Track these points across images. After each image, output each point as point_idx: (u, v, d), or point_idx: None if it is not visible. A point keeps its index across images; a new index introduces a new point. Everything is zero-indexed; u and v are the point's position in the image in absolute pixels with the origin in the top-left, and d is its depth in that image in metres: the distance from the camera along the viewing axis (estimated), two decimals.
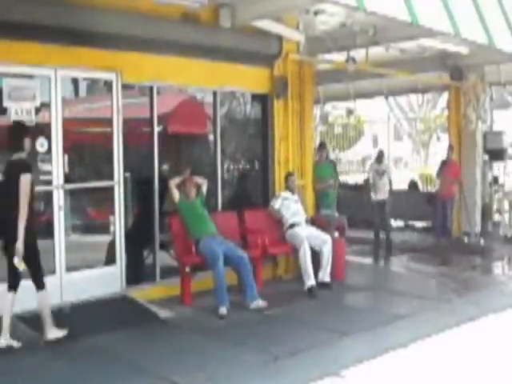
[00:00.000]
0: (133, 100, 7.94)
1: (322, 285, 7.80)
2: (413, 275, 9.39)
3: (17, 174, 5.35)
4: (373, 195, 10.80)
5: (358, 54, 9.32)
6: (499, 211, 12.38)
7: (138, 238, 7.74)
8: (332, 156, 21.68)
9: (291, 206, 8.25)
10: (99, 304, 6.62)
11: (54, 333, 5.65)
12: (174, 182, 7.40)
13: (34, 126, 6.46)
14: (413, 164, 27.66)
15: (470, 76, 11.68)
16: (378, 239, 10.59)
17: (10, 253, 5.42)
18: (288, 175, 8.55)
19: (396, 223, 14.55)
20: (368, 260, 10.31)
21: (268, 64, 8.66)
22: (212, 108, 8.35)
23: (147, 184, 7.56)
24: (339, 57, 9.71)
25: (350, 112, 25.48)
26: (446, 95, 14.12)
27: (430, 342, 5.78)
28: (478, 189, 11.89)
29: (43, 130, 6.56)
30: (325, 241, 7.97)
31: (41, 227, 7.07)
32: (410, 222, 14.14)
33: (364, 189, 15.22)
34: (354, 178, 20.29)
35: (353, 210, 12.06)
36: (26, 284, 6.42)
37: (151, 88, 7.51)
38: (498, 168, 12.50)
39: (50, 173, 6.61)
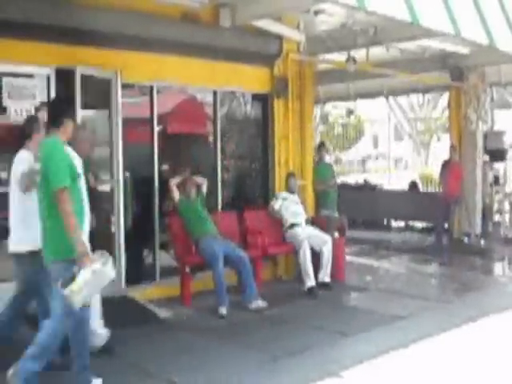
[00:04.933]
0: (133, 100, 7.94)
1: (322, 285, 7.79)
2: (413, 275, 9.38)
3: None
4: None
5: (359, 53, 9.31)
6: (500, 212, 12.37)
7: (138, 237, 7.73)
8: (332, 156, 21.75)
9: (291, 207, 8.24)
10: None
11: None
12: (174, 182, 7.40)
13: None
14: (413, 164, 27.69)
15: (471, 76, 11.67)
16: None
17: None
18: (288, 175, 8.55)
19: (396, 223, 14.58)
20: (368, 260, 10.30)
21: (268, 64, 8.65)
22: (212, 108, 8.34)
23: (147, 184, 7.55)
24: (339, 57, 9.70)
25: (350, 112, 25.52)
26: (446, 95, 14.12)
27: (430, 343, 5.76)
28: (479, 189, 11.88)
29: None
30: (325, 241, 7.96)
31: None
32: (410, 222, 14.14)
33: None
34: (355, 177, 20.30)
35: (353, 210, 12.09)
36: None
37: (151, 87, 7.51)
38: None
39: None
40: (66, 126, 4.49)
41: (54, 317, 4.33)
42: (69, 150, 4.48)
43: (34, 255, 4.61)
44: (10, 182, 4.94)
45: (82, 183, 4.52)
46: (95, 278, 4.13)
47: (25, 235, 4.74)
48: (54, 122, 4.47)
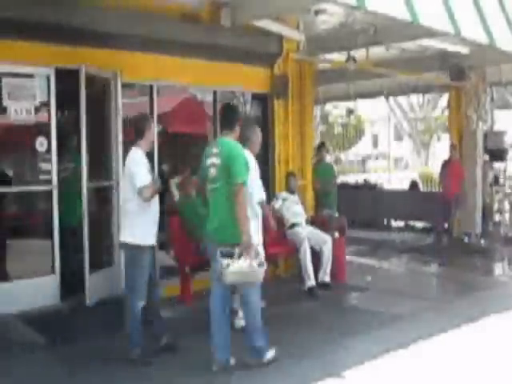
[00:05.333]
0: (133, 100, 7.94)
1: (322, 285, 7.78)
2: (413, 275, 9.38)
3: None
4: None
5: (359, 53, 9.30)
6: (500, 211, 12.37)
7: None
8: (332, 156, 21.73)
9: (291, 207, 8.24)
10: (99, 304, 6.60)
11: None
12: (174, 182, 7.39)
13: (34, 124, 6.46)
14: (413, 164, 27.71)
15: (471, 76, 11.66)
16: None
17: None
18: (288, 175, 8.54)
19: (396, 223, 14.57)
20: (368, 260, 10.30)
21: (268, 63, 8.65)
22: (212, 108, 8.34)
23: None
24: (339, 57, 9.69)
25: (350, 112, 25.51)
26: (446, 95, 14.11)
27: (430, 343, 5.76)
28: (479, 189, 11.87)
29: (43, 129, 6.55)
30: (325, 241, 7.96)
31: (39, 227, 7.09)
32: (410, 222, 14.14)
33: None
34: (355, 177, 20.30)
35: (353, 210, 12.07)
36: (26, 283, 6.45)
37: (151, 87, 7.50)
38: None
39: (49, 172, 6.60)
40: (237, 130, 5.26)
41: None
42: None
43: (135, 248, 5.16)
44: (122, 177, 5.35)
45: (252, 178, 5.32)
46: (249, 271, 4.75)
47: (132, 228, 5.17)
48: (228, 125, 5.24)
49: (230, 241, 4.87)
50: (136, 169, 5.11)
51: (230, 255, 4.75)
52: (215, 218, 5.01)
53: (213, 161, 5.05)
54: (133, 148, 5.31)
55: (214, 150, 5.10)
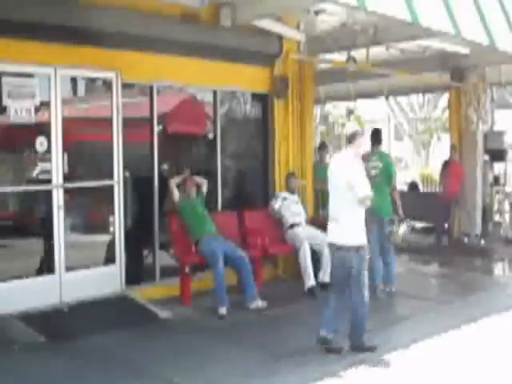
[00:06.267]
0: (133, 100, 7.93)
1: (322, 285, 7.77)
2: (413, 275, 9.37)
3: None
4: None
5: (359, 53, 9.30)
6: (500, 212, 12.36)
7: (138, 237, 7.73)
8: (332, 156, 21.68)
9: (291, 206, 8.24)
10: (99, 304, 6.61)
11: None
12: (174, 182, 7.40)
13: (34, 124, 6.46)
14: (413, 164, 27.67)
15: (471, 76, 11.64)
16: None
17: None
18: (288, 175, 8.54)
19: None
20: (368, 260, 10.28)
21: (268, 64, 8.65)
22: (212, 108, 8.34)
23: (147, 184, 7.55)
24: (339, 57, 9.69)
25: (350, 112, 25.48)
26: (446, 95, 14.10)
27: (430, 343, 5.77)
28: (479, 189, 11.86)
29: (43, 128, 6.54)
30: (325, 241, 7.94)
31: (39, 226, 7.08)
32: (410, 222, 14.12)
33: None
34: None
35: None
36: (26, 283, 6.46)
37: (151, 87, 7.50)
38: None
39: (49, 172, 6.59)
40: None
41: (387, 251, 7.62)
42: None
43: (341, 248, 5.48)
44: (333, 180, 5.50)
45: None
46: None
47: (343, 230, 5.49)
48: (379, 141, 7.83)
49: (390, 214, 7.56)
50: (355, 177, 5.37)
51: (394, 222, 7.76)
52: (379, 201, 6.71)
53: (376, 164, 7.51)
54: (343, 152, 5.83)
55: (375, 157, 7.60)
